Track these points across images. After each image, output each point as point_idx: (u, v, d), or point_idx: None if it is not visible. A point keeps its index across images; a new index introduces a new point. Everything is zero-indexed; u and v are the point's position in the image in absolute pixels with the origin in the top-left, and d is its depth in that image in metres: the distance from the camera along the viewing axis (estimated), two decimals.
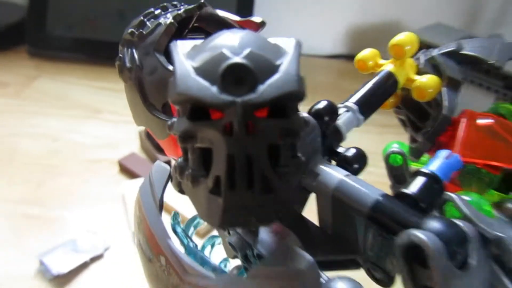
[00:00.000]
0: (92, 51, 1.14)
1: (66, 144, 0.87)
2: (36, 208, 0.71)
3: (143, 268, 0.22)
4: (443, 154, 0.21)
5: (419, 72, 0.27)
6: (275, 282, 0.16)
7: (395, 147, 0.34)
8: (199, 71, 0.14)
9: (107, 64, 1.11)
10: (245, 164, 0.14)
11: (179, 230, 0.22)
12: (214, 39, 0.16)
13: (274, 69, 0.15)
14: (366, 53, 0.28)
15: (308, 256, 0.16)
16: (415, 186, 0.20)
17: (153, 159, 0.80)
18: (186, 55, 0.15)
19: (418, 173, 0.20)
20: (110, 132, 0.91)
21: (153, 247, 0.20)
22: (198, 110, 0.15)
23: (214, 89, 0.14)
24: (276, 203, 0.15)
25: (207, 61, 0.15)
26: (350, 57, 1.33)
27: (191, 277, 0.18)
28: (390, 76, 0.26)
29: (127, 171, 0.78)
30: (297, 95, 0.14)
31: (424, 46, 0.29)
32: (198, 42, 0.17)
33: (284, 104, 0.15)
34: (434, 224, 0.17)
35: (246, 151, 0.14)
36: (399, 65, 0.26)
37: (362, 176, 0.23)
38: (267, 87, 0.14)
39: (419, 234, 0.16)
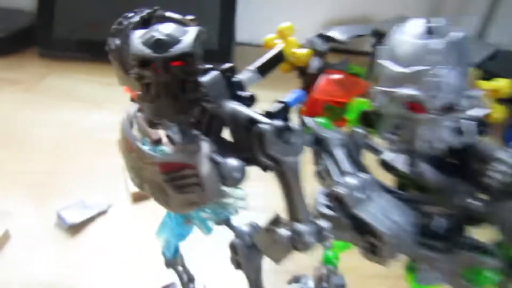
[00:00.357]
0: (96, 51, 1.28)
1: (75, 129, 1.03)
2: (52, 178, 0.86)
3: (125, 164, 0.38)
4: (294, 91, 0.36)
5: (302, 48, 0.43)
6: (184, 154, 0.32)
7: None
8: (143, 43, 0.30)
9: (109, 62, 1.27)
10: (164, 85, 0.29)
11: (144, 143, 0.37)
12: (152, 28, 0.31)
13: (179, 40, 0.30)
14: (269, 37, 0.43)
15: (205, 140, 0.32)
16: (274, 107, 0.35)
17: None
18: (137, 36, 0.31)
19: (279, 101, 0.35)
20: (112, 118, 1.06)
21: (128, 148, 0.36)
22: (143, 62, 0.30)
23: (149, 50, 0.29)
24: (181, 106, 0.31)
25: (146, 38, 0.30)
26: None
27: (148, 159, 0.34)
28: (279, 50, 0.41)
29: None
30: (188, 53, 0.30)
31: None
32: (145, 30, 0.32)
33: (185, 58, 0.30)
34: (274, 120, 0.32)
35: (165, 79, 0.29)
36: (285, 42, 0.41)
37: None
38: (174, 49, 0.29)
39: (261, 125, 0.31)
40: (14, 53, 1.33)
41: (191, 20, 0.39)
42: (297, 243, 0.30)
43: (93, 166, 0.91)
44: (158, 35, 0.29)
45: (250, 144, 0.33)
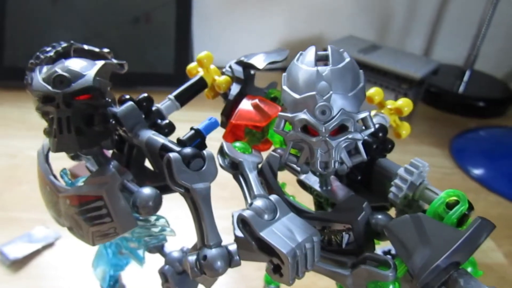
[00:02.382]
0: None
1: (24, 159, 1.00)
2: None
3: (44, 200, 0.37)
4: (208, 118, 0.37)
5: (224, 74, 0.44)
6: (98, 184, 0.32)
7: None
8: (43, 79, 0.30)
9: None
10: (66, 121, 0.30)
11: (63, 175, 0.37)
12: (56, 64, 0.32)
13: (82, 76, 0.31)
14: (192, 65, 0.45)
15: (116, 170, 0.32)
16: (187, 136, 0.36)
17: None
18: (39, 72, 0.31)
19: (192, 128, 0.36)
20: None
21: (43, 183, 0.35)
22: (45, 98, 0.31)
23: (49, 87, 0.30)
24: (86, 141, 0.31)
25: (48, 74, 0.31)
26: (283, 69, 1.53)
27: (60, 193, 0.34)
28: (200, 78, 0.42)
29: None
30: (91, 88, 0.30)
31: None
32: (50, 66, 0.33)
33: (89, 92, 0.31)
34: (183, 149, 0.33)
35: (67, 115, 0.30)
36: (206, 71, 0.43)
37: None
38: (75, 85, 0.30)
39: (171, 154, 0.32)
40: None
41: (108, 53, 0.40)
42: (204, 268, 0.30)
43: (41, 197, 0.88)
44: (59, 71, 0.30)
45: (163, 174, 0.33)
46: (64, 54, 0.39)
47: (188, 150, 0.33)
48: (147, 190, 0.33)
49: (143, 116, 0.38)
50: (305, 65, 0.31)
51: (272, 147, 0.43)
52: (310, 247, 0.30)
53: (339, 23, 1.54)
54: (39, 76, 0.30)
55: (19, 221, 0.82)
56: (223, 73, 0.44)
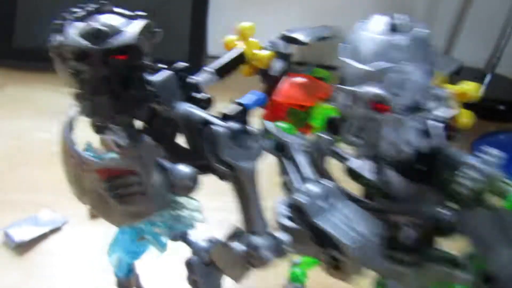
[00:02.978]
0: None
1: (31, 141, 0.96)
2: (4, 191, 0.79)
3: (64, 172, 0.34)
4: (253, 92, 0.33)
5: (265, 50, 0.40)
6: (130, 157, 0.28)
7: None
8: (80, 33, 0.27)
9: None
10: (101, 80, 0.26)
11: (87, 148, 0.34)
12: (91, 18, 0.28)
13: (120, 31, 0.27)
14: (230, 37, 0.41)
15: (152, 143, 0.28)
16: (230, 109, 0.32)
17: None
18: (75, 27, 0.27)
19: (235, 102, 0.33)
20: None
21: (67, 154, 0.32)
22: (80, 55, 0.27)
23: (85, 42, 0.26)
24: (122, 103, 0.27)
25: (84, 28, 0.27)
26: (300, 64, 1.49)
27: (87, 166, 0.30)
28: (239, 51, 0.39)
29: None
30: (132, 46, 0.27)
31: None
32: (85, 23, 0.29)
33: (127, 51, 0.27)
34: (229, 122, 0.29)
35: (103, 74, 0.26)
36: (246, 44, 0.39)
37: None
38: (115, 41, 0.26)
39: (214, 126, 0.28)
40: None
41: (142, 15, 0.36)
42: (252, 258, 0.27)
43: (47, 180, 0.84)
44: (96, 25, 0.26)
45: (202, 151, 0.30)
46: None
47: (235, 124, 0.29)
48: (184, 168, 0.30)
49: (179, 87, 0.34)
50: (375, 34, 0.27)
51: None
52: (375, 241, 0.26)
53: (356, 20, 1.50)
54: (73, 31, 0.27)
55: (22, 204, 0.78)
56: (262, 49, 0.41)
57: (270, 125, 0.34)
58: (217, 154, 0.28)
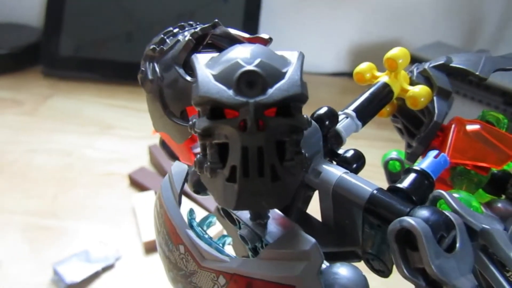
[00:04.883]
0: (103, 70, 1.19)
1: (79, 158, 0.90)
2: (50, 220, 0.73)
3: (163, 263, 0.25)
4: (432, 154, 0.23)
5: (412, 83, 0.30)
6: (282, 262, 0.18)
7: (394, 154, 0.37)
8: (217, 77, 0.17)
9: (118, 83, 1.16)
10: (256, 155, 0.17)
11: (194, 224, 0.24)
12: (228, 51, 0.19)
13: (281, 75, 0.17)
14: (364, 66, 0.31)
15: (310, 238, 0.19)
16: (407, 181, 0.22)
17: (162, 173, 0.82)
18: (205, 65, 0.18)
19: (410, 170, 0.23)
20: (121, 147, 0.94)
21: (173, 237, 0.22)
22: (215, 111, 0.17)
23: (230, 92, 0.17)
24: (282, 191, 0.18)
25: (224, 69, 0.17)
26: (351, 74, 1.38)
27: (208, 262, 0.21)
28: (385, 86, 0.28)
29: (137, 185, 0.81)
30: (301, 97, 0.17)
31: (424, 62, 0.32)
32: (215, 54, 0.19)
33: (289, 105, 0.17)
34: (423, 212, 0.19)
35: (258, 144, 0.17)
36: (393, 76, 0.29)
37: None
38: (275, 90, 0.17)
39: (409, 219, 0.19)
40: (18, 71, 1.22)
41: (267, 40, 0.26)
42: None
43: (98, 206, 0.77)
44: (247, 65, 0.17)
45: (355, 235, 0.20)
46: (200, 40, 0.26)
47: (430, 212, 0.19)
48: (346, 271, 0.20)
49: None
50: None
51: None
52: None
53: (420, 27, 1.38)
54: (206, 71, 0.17)
55: (72, 232, 0.71)
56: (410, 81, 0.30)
57: (450, 196, 0.23)
58: (409, 263, 0.18)
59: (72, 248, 0.67)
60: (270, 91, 0.17)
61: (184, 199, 0.22)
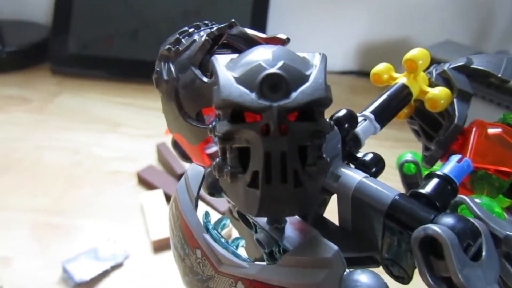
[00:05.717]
0: (110, 68, 1.18)
1: (87, 156, 0.90)
2: (58, 217, 0.73)
3: (178, 266, 0.24)
4: (455, 158, 0.23)
5: (431, 85, 0.29)
6: (303, 269, 0.18)
7: (409, 156, 0.36)
8: (239, 80, 0.17)
9: (125, 80, 1.16)
10: (279, 161, 0.16)
11: (210, 227, 0.24)
12: (249, 53, 0.18)
13: (304, 78, 0.17)
14: (381, 67, 0.30)
15: (333, 245, 0.18)
16: (429, 187, 0.21)
17: (170, 171, 0.82)
18: (226, 67, 0.18)
19: (432, 175, 0.22)
20: (129, 145, 0.94)
21: (189, 241, 0.22)
22: (236, 114, 0.17)
23: (253, 95, 0.16)
24: (305, 197, 0.17)
25: (246, 72, 0.17)
26: (360, 73, 1.36)
27: (225, 267, 0.20)
28: (404, 88, 0.28)
29: (145, 183, 0.81)
30: (325, 101, 0.17)
31: (434, 62, 0.31)
32: (234, 56, 0.19)
33: (313, 108, 0.17)
34: (448, 219, 0.19)
35: (281, 149, 0.16)
36: (412, 78, 0.28)
37: None
38: (299, 94, 0.16)
39: (434, 227, 0.18)
40: (26, 69, 1.23)
41: (284, 40, 0.26)
42: None
43: (105, 204, 0.77)
44: (270, 68, 0.16)
45: (374, 240, 0.20)
46: (216, 40, 0.26)
47: (456, 220, 0.19)
48: (367, 279, 0.19)
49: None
50: None
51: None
52: None
53: (429, 25, 1.36)
54: (227, 73, 0.17)
55: (80, 230, 0.71)
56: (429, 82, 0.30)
57: (472, 202, 0.23)
58: (440, 273, 0.18)
59: (80, 245, 0.67)
60: (294, 94, 0.16)
61: None
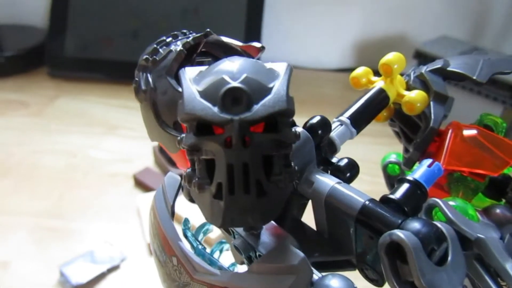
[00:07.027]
0: (109, 70, 1.19)
1: (84, 159, 0.91)
2: (56, 220, 0.74)
3: (158, 271, 0.25)
4: (426, 162, 0.23)
5: (409, 88, 0.30)
6: (271, 276, 0.19)
7: (393, 157, 0.36)
8: (203, 94, 0.17)
9: (123, 82, 1.16)
10: (242, 172, 0.17)
11: (189, 234, 0.24)
12: (215, 66, 0.19)
13: (267, 90, 0.17)
14: (360, 71, 0.30)
15: (300, 253, 0.19)
16: (399, 192, 0.22)
17: (166, 173, 0.83)
18: (192, 80, 0.18)
19: (403, 180, 0.22)
20: (126, 147, 0.95)
21: (166, 249, 0.23)
22: (203, 127, 0.17)
23: (215, 109, 0.17)
24: (269, 206, 0.18)
25: (209, 85, 0.17)
26: None
27: (200, 274, 0.21)
28: (381, 92, 0.28)
29: (142, 185, 0.81)
30: (286, 113, 0.17)
31: (430, 58, 0.32)
32: (203, 68, 0.19)
33: (276, 120, 0.17)
34: (414, 224, 0.19)
35: (243, 161, 0.17)
36: (389, 82, 0.29)
37: (356, 184, 0.25)
38: (260, 107, 0.17)
39: (399, 233, 0.18)
40: (23, 73, 1.23)
41: (259, 48, 0.26)
42: None
43: (103, 206, 0.78)
44: (232, 82, 0.17)
45: (349, 244, 0.20)
46: (194, 49, 0.26)
47: (421, 225, 0.19)
48: (337, 283, 0.20)
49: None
50: None
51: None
52: None
53: (425, 21, 1.36)
54: (192, 87, 0.17)
55: (78, 232, 0.72)
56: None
57: (445, 205, 0.23)
58: (404, 276, 0.18)
59: (77, 248, 0.68)
60: (256, 107, 0.17)
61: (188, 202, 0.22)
